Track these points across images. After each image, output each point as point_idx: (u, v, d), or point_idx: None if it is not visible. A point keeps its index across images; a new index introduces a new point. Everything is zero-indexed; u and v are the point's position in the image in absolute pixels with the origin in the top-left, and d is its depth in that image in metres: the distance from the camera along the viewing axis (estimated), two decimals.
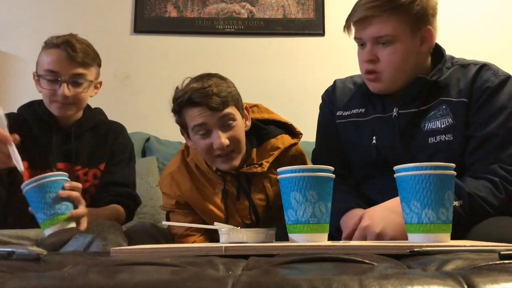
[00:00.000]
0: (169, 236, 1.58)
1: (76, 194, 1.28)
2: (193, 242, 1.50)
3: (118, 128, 1.76)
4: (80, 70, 1.57)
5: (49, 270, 0.71)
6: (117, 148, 1.71)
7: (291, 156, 1.57)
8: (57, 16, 2.64)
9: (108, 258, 0.85)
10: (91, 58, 1.61)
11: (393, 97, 1.42)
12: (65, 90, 1.55)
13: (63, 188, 1.26)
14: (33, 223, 1.31)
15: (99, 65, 1.67)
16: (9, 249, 0.81)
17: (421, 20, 1.34)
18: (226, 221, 1.47)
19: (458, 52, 1.48)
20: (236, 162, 1.45)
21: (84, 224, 1.29)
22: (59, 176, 1.27)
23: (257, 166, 1.49)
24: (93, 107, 1.77)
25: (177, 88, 1.47)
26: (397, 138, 1.38)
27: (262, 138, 1.55)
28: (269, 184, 1.53)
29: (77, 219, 1.28)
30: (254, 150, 1.52)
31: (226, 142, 1.40)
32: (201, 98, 1.38)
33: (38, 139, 1.62)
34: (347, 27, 1.40)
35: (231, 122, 1.42)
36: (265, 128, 1.56)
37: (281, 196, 1.03)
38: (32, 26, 2.61)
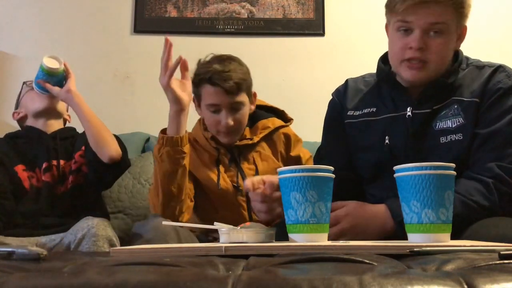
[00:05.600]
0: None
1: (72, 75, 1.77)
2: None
3: None
4: None
5: (49, 270, 0.71)
6: None
7: (284, 135, 1.76)
8: (57, 16, 2.64)
9: (108, 258, 0.85)
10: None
11: (406, 96, 1.40)
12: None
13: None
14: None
15: None
16: (9, 249, 0.81)
17: (465, 16, 1.34)
18: (217, 181, 1.65)
19: (467, 53, 1.47)
20: (235, 138, 1.69)
21: (69, 85, 1.74)
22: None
23: (248, 140, 1.71)
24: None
25: (199, 61, 1.67)
26: (410, 139, 1.37)
27: (254, 120, 1.76)
28: (259, 158, 1.72)
29: (66, 75, 1.76)
30: (247, 129, 1.74)
31: (231, 123, 1.62)
32: (220, 81, 1.58)
33: (28, 146, 1.84)
34: (391, 6, 1.34)
35: (240, 107, 1.64)
36: (257, 112, 1.78)
37: (281, 196, 1.03)
38: (32, 26, 2.61)
